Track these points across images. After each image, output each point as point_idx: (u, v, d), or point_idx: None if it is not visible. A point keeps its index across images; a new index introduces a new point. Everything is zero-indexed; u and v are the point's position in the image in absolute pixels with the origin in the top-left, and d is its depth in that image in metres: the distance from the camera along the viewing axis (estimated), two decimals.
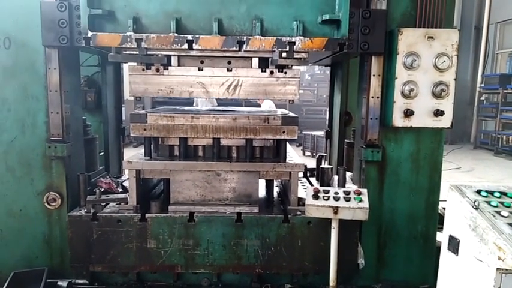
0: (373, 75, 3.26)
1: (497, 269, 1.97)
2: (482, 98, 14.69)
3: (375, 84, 3.27)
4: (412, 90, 3.19)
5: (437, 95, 3.21)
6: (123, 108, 4.73)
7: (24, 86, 3.25)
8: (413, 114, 3.22)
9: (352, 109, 4.43)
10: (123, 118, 4.76)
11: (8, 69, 3.23)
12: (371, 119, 3.32)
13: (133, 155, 3.64)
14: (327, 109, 5.17)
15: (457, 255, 2.31)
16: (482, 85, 14.38)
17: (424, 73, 3.19)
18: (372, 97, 3.29)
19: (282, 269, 3.38)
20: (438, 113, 3.21)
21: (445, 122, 3.26)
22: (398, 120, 3.25)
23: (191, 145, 3.50)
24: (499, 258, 1.97)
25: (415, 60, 3.16)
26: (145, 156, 3.47)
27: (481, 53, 14.76)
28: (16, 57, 3.22)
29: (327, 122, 5.05)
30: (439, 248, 2.60)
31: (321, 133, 10.73)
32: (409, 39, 3.15)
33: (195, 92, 3.30)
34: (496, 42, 15.20)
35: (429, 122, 3.26)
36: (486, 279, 2.02)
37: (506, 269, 1.96)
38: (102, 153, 4.38)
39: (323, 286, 3.40)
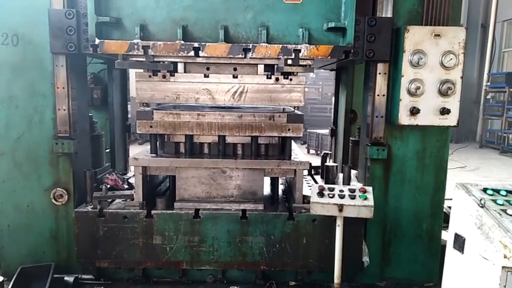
0: (379, 73, 3.26)
1: (503, 267, 1.97)
2: (489, 96, 14.60)
3: (380, 82, 3.27)
4: (418, 88, 3.18)
5: (443, 93, 3.20)
6: (129, 106, 4.75)
7: (32, 83, 3.28)
8: (419, 112, 3.21)
9: (358, 107, 4.42)
10: (129, 115, 4.79)
11: (16, 66, 3.26)
12: (377, 117, 3.32)
13: (139, 151, 3.66)
14: (332, 107, 5.17)
15: (463, 253, 2.31)
16: (489, 83, 14.27)
17: (431, 71, 3.19)
18: (378, 95, 3.29)
19: (286, 266, 3.39)
20: (444, 111, 3.21)
21: (451, 120, 3.25)
22: (404, 118, 3.25)
23: (197, 142, 3.52)
24: (505, 257, 1.97)
25: (422, 58, 3.15)
26: (151, 153, 3.49)
27: (487, 52, 14.64)
28: (24, 54, 3.25)
29: (332, 120, 5.04)
30: (444, 247, 2.60)
31: (326, 131, 10.70)
32: (415, 37, 3.14)
33: (201, 98, 3.32)
34: (502, 41, 15.09)
35: (435, 120, 3.25)
36: (491, 278, 2.02)
37: None
38: (108, 150, 4.41)
39: (327, 284, 3.41)
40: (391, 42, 3.18)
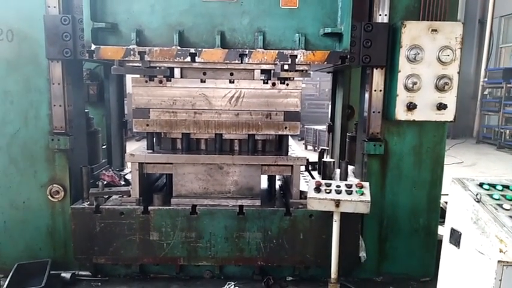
0: (376, 69, 3.25)
1: (499, 261, 1.97)
2: (486, 92, 14.60)
3: (377, 77, 3.27)
4: (415, 83, 3.18)
5: (440, 89, 3.20)
6: (125, 102, 4.72)
7: (27, 79, 3.26)
8: (416, 107, 3.21)
9: (355, 103, 4.42)
10: (126, 111, 4.77)
11: (10, 62, 3.24)
12: (373, 112, 3.31)
13: (136, 148, 3.65)
14: (329, 103, 5.16)
15: (459, 247, 2.31)
16: (486, 79, 14.29)
17: (428, 66, 3.18)
18: (375, 90, 3.28)
19: (283, 262, 3.40)
20: (441, 106, 3.20)
21: (448, 115, 3.25)
22: (401, 113, 3.24)
23: (193, 138, 3.51)
24: (501, 251, 1.98)
25: (419, 53, 3.14)
26: (147, 150, 3.48)
27: (484, 47, 14.65)
28: (19, 49, 3.22)
29: (329, 116, 5.04)
30: (440, 242, 2.60)
31: (323, 127, 10.71)
32: (412, 32, 3.14)
33: (198, 103, 3.31)
34: (499, 36, 15.09)
35: (432, 115, 3.25)
36: (487, 272, 2.03)
37: (508, 262, 1.96)
38: (104, 146, 4.39)
39: (324, 279, 3.41)
40: (388, 38, 3.17)
